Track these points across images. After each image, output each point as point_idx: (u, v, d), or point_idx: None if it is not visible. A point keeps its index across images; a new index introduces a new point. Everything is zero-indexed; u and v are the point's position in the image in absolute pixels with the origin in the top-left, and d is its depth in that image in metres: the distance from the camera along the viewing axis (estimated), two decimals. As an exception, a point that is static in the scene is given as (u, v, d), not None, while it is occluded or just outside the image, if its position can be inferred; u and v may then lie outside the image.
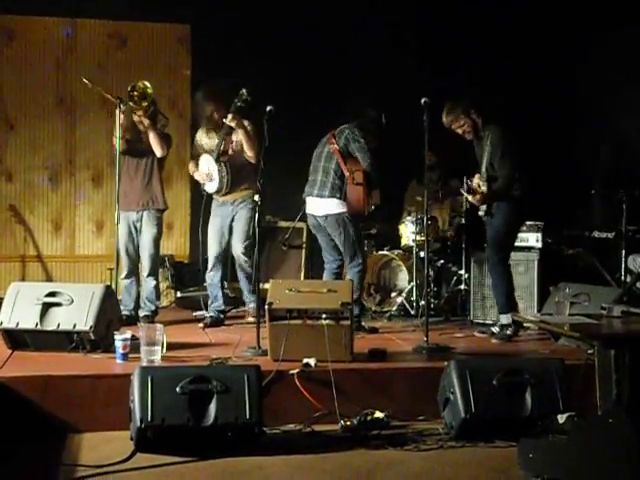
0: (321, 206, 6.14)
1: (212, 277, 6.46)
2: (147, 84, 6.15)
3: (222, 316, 6.46)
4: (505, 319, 5.72)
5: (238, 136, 6.27)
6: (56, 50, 8.14)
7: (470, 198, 5.94)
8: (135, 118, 6.26)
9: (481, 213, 5.90)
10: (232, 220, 6.40)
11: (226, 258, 6.61)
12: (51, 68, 8.13)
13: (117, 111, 6.04)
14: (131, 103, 6.10)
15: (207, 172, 6.34)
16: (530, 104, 7.89)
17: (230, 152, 6.34)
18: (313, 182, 6.18)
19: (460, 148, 6.15)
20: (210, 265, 6.45)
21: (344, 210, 6.05)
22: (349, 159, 6.07)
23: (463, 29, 8.09)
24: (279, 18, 7.83)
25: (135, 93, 6.12)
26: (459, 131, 5.85)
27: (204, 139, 6.49)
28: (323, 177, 6.13)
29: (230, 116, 6.11)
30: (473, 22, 8.09)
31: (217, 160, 6.28)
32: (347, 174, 6.02)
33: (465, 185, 6.29)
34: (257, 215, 5.33)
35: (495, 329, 5.81)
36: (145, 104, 6.17)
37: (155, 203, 6.38)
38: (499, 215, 5.77)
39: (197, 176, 6.46)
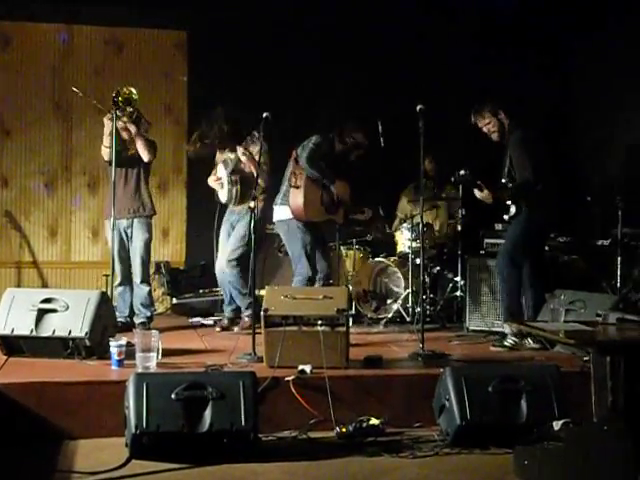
0: (275, 213, 6.23)
1: (222, 278, 6.43)
2: (132, 90, 6.11)
3: (240, 315, 6.43)
4: (507, 328, 5.66)
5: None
6: (52, 56, 8.14)
7: (478, 194, 5.73)
8: (119, 124, 6.16)
9: (506, 217, 5.82)
10: (233, 228, 6.40)
11: None
12: (47, 74, 8.12)
13: (105, 120, 6.08)
14: (117, 111, 6.01)
15: (219, 176, 6.43)
16: (529, 110, 7.90)
17: (242, 167, 6.34)
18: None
19: (457, 155, 6.15)
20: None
21: (291, 217, 6.09)
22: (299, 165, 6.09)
23: (459, 37, 8.12)
24: (276, 24, 7.85)
25: (120, 99, 6.05)
26: (484, 130, 5.78)
27: (220, 156, 6.54)
28: (281, 186, 6.25)
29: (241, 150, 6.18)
30: (470, 28, 8.12)
31: (230, 174, 6.34)
32: (292, 180, 6.03)
33: (462, 175, 6.03)
34: (253, 222, 5.32)
35: (508, 341, 5.60)
36: (130, 109, 6.14)
37: (144, 210, 6.39)
38: (518, 221, 5.71)
39: (210, 179, 6.51)
